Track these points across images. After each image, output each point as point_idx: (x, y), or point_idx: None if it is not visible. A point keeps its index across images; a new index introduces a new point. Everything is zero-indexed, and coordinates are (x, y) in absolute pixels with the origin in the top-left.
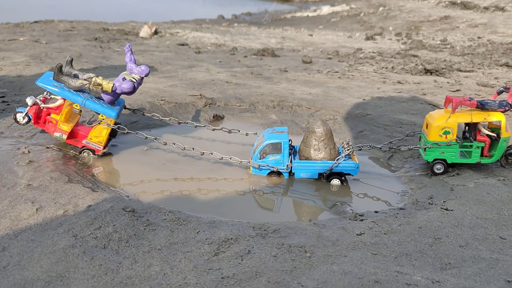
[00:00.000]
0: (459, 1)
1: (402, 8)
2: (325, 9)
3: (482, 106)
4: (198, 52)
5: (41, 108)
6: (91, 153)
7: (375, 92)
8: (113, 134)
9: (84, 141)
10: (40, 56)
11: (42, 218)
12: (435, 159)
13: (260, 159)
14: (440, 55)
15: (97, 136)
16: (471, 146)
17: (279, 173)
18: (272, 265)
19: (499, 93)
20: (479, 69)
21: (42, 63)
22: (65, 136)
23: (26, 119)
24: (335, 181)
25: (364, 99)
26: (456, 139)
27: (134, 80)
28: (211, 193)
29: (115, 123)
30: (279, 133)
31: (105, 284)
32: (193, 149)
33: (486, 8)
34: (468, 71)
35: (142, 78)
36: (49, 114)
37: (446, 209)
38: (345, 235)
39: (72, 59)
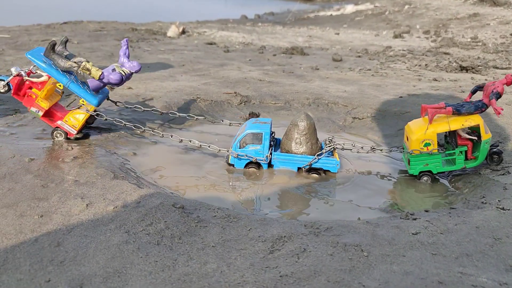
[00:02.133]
0: None
1: (428, 6)
2: (349, 8)
3: (458, 112)
4: (227, 51)
5: (24, 80)
6: (63, 134)
7: (411, 89)
8: (90, 120)
9: (59, 122)
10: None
11: (92, 214)
12: (420, 172)
13: (239, 148)
14: (472, 52)
15: (73, 120)
16: (454, 153)
17: (258, 165)
18: (330, 264)
19: (473, 92)
20: None
21: None
22: (41, 113)
23: (6, 88)
24: (314, 175)
25: (401, 97)
26: (438, 149)
27: (123, 74)
28: (251, 190)
29: (95, 111)
30: (262, 123)
31: (163, 281)
32: (171, 137)
33: None
34: (505, 68)
35: (132, 73)
36: (30, 88)
37: (503, 209)
38: (401, 234)
39: (67, 40)
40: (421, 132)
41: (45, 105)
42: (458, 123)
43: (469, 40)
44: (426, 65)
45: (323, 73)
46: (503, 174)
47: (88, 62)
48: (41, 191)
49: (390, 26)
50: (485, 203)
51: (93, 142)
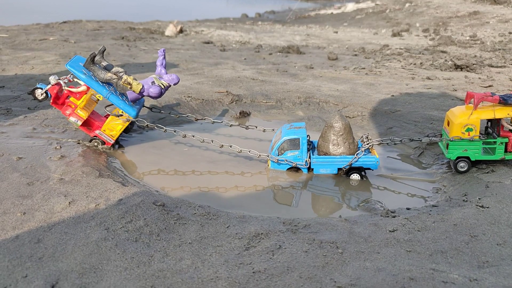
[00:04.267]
0: None
1: (429, 4)
2: (350, 6)
3: (505, 101)
4: (223, 50)
5: (63, 89)
6: (100, 143)
7: (404, 88)
8: (126, 130)
9: (97, 131)
10: (69, 55)
11: (74, 211)
12: (458, 157)
13: (278, 155)
14: (470, 51)
15: (111, 130)
16: (494, 142)
17: (297, 169)
18: (304, 260)
19: None
20: (511, 64)
21: None
22: (80, 122)
23: (44, 95)
24: (355, 176)
25: (393, 95)
26: (479, 136)
27: (163, 86)
28: (238, 188)
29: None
30: (297, 128)
31: (137, 276)
32: (212, 142)
33: None
34: (500, 67)
35: (170, 85)
36: (68, 97)
37: (482, 206)
38: (378, 232)
39: (104, 49)
40: (465, 117)
41: (84, 114)
42: (504, 112)
43: (467, 38)
44: (421, 63)
45: (317, 72)
46: (487, 173)
47: (129, 76)
48: (26, 189)
49: (390, 25)
50: (466, 200)
51: (81, 141)
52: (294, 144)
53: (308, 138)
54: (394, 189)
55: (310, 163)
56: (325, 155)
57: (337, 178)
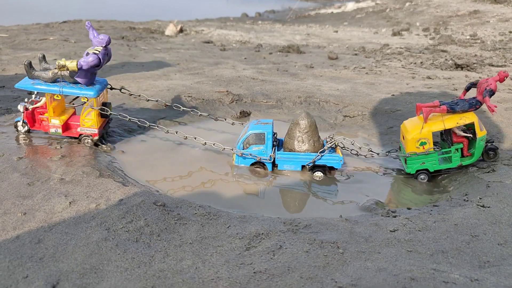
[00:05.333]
0: None
1: (430, 3)
2: (350, 6)
3: (452, 110)
4: (223, 50)
5: (31, 110)
6: (90, 138)
7: (404, 87)
8: (104, 116)
9: (78, 129)
10: (69, 55)
11: (75, 212)
12: (417, 170)
13: (243, 149)
14: (470, 50)
15: (87, 120)
16: (450, 151)
17: (262, 164)
18: (305, 260)
19: (467, 89)
20: (511, 63)
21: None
22: (60, 130)
23: (25, 126)
24: (318, 173)
25: (393, 95)
26: (433, 148)
27: (97, 52)
28: (238, 188)
29: (103, 104)
30: (264, 124)
31: (138, 276)
32: (176, 133)
33: None
34: (500, 66)
35: (106, 47)
36: (42, 114)
37: (483, 206)
38: (378, 232)
39: (43, 55)
40: (417, 132)
41: (59, 121)
42: (453, 122)
43: (468, 37)
44: (421, 62)
45: (317, 71)
46: (488, 172)
47: (61, 59)
48: (26, 189)
49: (390, 24)
50: (467, 200)
51: (81, 141)
52: (259, 138)
53: (275, 134)
54: (395, 189)
55: (274, 158)
56: (290, 151)
57: (336, 179)
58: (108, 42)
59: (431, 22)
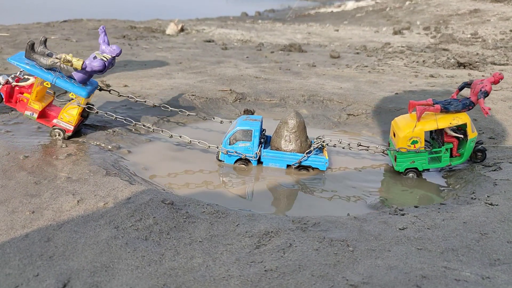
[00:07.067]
0: None
1: (429, 2)
2: (350, 4)
3: (446, 109)
4: (225, 48)
5: (13, 86)
6: (62, 133)
7: (408, 86)
8: (84, 114)
9: (54, 121)
10: (71, 54)
11: (83, 210)
12: (406, 169)
13: (229, 145)
14: (472, 48)
15: (67, 116)
16: (440, 151)
17: (247, 161)
18: (315, 258)
19: (461, 89)
20: None
21: None
22: (35, 115)
23: None
24: (303, 171)
25: (397, 93)
26: (424, 147)
27: (105, 59)
28: (244, 187)
29: (87, 104)
30: (252, 120)
31: (149, 275)
32: (161, 132)
33: None
34: (503, 64)
35: (114, 57)
36: (21, 93)
37: (491, 204)
38: (388, 230)
39: (46, 39)
40: (409, 130)
41: (38, 106)
42: (446, 121)
43: (469, 36)
44: (424, 61)
45: (319, 70)
46: (494, 170)
47: (68, 54)
48: (33, 188)
49: (390, 23)
50: (475, 198)
51: (87, 140)
52: (246, 135)
53: (263, 132)
54: (402, 187)
55: (260, 156)
56: (276, 150)
57: (339, 177)
58: (119, 54)
59: (431, 21)
